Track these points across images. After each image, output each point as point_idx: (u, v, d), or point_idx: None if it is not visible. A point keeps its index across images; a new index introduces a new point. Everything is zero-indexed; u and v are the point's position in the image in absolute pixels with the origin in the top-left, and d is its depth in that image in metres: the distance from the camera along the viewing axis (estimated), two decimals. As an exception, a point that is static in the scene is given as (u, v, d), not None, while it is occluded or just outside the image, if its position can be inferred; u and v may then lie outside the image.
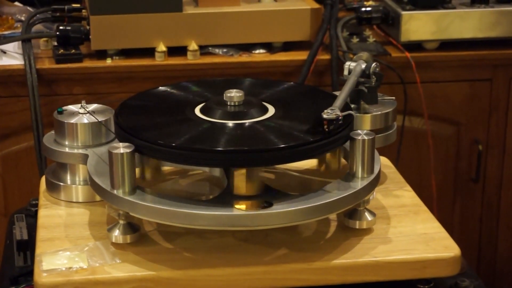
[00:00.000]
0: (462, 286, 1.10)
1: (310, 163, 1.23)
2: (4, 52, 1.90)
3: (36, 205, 1.24)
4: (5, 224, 1.41)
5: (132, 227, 1.07)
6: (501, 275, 2.15)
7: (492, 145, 2.06)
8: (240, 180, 1.06)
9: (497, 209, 2.10)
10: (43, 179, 1.22)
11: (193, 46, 1.89)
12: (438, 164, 2.04)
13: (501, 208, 2.10)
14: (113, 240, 1.06)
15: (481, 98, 2.02)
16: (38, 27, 1.99)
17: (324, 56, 1.93)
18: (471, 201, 2.10)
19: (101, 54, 1.89)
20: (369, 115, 1.18)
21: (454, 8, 1.96)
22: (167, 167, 1.21)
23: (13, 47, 1.92)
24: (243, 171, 1.06)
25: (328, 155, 1.18)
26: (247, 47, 1.95)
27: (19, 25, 2.03)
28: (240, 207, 1.02)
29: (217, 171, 1.17)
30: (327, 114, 1.04)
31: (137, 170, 1.12)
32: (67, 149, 1.17)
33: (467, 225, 2.11)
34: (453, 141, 2.05)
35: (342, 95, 1.11)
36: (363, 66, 1.17)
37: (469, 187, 2.08)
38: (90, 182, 1.09)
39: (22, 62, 1.83)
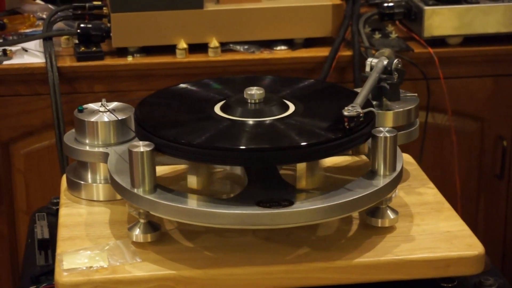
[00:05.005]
0: (486, 285, 1.09)
1: (332, 160, 1.22)
2: (26, 50, 1.90)
3: (57, 204, 1.24)
4: (27, 222, 1.41)
5: (153, 226, 1.06)
6: (526, 272, 2.13)
7: (517, 141, 2.04)
8: (302, 174, 1.06)
9: (522, 205, 2.09)
10: (64, 177, 1.22)
11: (214, 43, 1.88)
12: (462, 160, 2.02)
13: (526, 204, 2.09)
14: (134, 239, 1.06)
15: (506, 93, 2.00)
16: (59, 25, 1.99)
17: (346, 53, 1.92)
18: (495, 198, 2.08)
19: (122, 52, 1.89)
20: (391, 112, 1.17)
21: (477, 2, 1.94)
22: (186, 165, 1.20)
23: (34, 45, 1.92)
24: (304, 165, 1.05)
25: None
26: (268, 44, 1.94)
27: (40, 23, 2.03)
28: (262, 206, 1.01)
29: (238, 169, 1.17)
30: (347, 111, 1.03)
31: (159, 169, 1.12)
32: (87, 148, 1.17)
33: (492, 222, 2.09)
34: (477, 137, 2.03)
35: (363, 92, 1.10)
36: (385, 62, 1.16)
37: (494, 184, 2.06)
38: (111, 181, 1.08)
39: (43, 60, 1.83)
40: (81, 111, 1.19)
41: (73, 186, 1.19)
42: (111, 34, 1.86)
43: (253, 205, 1.01)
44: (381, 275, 1.04)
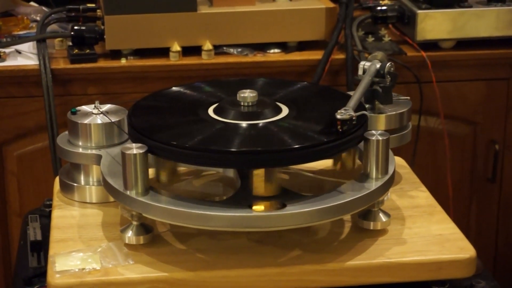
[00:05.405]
0: (478, 288, 1.09)
1: (324, 163, 1.22)
2: (19, 52, 1.90)
3: (50, 206, 1.24)
4: (20, 224, 1.41)
5: (145, 228, 1.07)
6: (518, 276, 2.14)
7: (509, 145, 2.04)
8: (259, 181, 1.06)
9: (514, 209, 2.09)
10: (57, 179, 1.22)
11: (207, 45, 1.89)
12: (454, 164, 2.03)
13: (518, 208, 2.09)
14: (126, 241, 1.06)
15: (498, 97, 2.00)
16: (53, 27, 1.99)
17: (339, 56, 1.92)
18: (487, 201, 2.08)
19: (116, 54, 1.89)
20: (383, 115, 1.18)
21: (470, 6, 1.95)
22: (180, 168, 1.21)
23: (28, 47, 1.92)
24: (261, 171, 1.05)
25: (343, 154, 1.17)
26: (262, 47, 1.94)
27: (34, 25, 2.03)
28: (254, 208, 1.01)
29: (230, 172, 1.17)
30: (340, 114, 1.04)
31: (152, 171, 1.12)
32: (80, 150, 1.17)
33: (484, 225, 2.10)
34: (470, 141, 2.04)
35: (356, 95, 1.10)
36: (378, 65, 1.16)
37: (486, 187, 2.07)
38: (103, 183, 1.09)
39: (37, 62, 1.83)
40: (74, 113, 1.19)
41: (66, 188, 1.19)
42: (104, 37, 1.86)
43: (246, 207, 1.01)
44: (373, 278, 1.04)
